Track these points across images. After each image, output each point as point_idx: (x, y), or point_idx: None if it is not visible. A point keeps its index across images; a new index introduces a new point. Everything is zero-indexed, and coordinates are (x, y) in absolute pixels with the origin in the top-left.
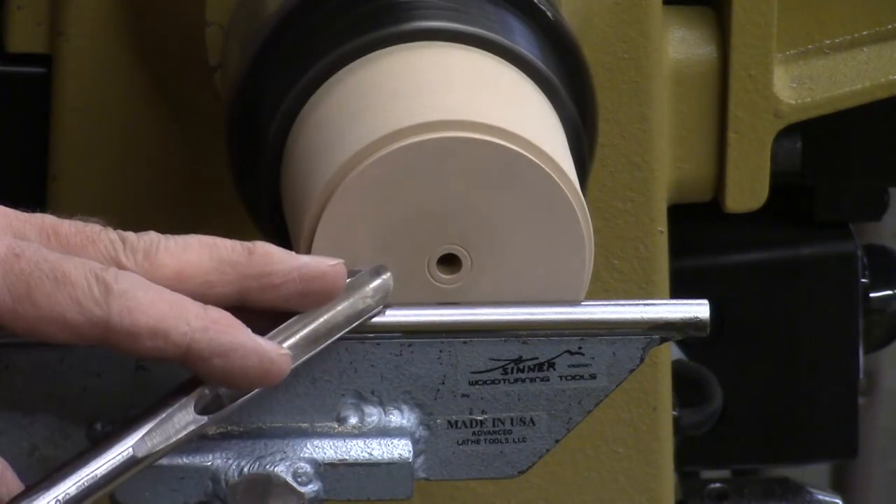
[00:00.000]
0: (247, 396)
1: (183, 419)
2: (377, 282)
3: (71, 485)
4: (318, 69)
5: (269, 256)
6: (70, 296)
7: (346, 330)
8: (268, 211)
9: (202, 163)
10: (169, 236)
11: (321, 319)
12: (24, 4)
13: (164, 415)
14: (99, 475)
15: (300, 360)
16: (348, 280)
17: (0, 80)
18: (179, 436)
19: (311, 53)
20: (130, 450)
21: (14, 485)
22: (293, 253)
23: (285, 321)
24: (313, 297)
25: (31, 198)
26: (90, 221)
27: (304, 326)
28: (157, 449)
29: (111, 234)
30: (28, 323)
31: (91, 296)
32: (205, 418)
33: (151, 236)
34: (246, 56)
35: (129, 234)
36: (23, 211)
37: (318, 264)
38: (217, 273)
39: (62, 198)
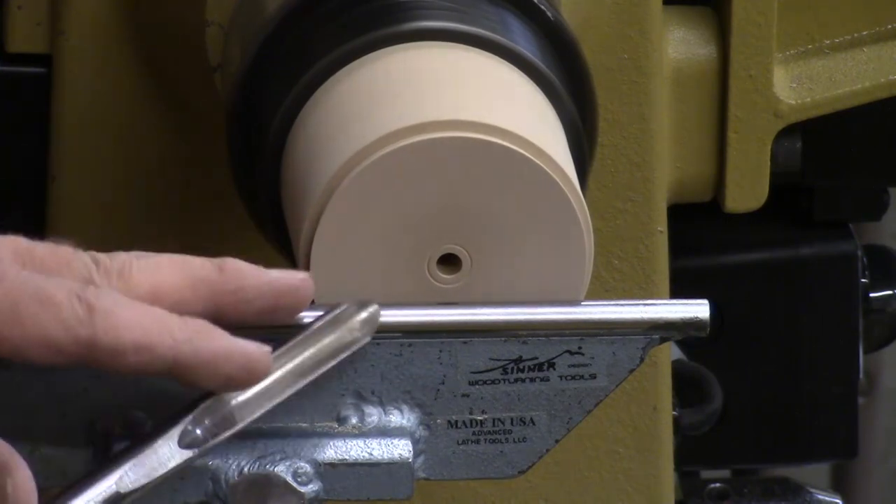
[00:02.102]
0: (232, 431)
1: (167, 454)
2: (364, 315)
3: None
4: (318, 69)
5: (240, 272)
6: (55, 316)
7: (333, 363)
8: (268, 211)
9: (202, 163)
10: (139, 255)
11: (308, 353)
12: (24, 4)
13: (148, 449)
14: None
15: (287, 393)
16: (336, 312)
17: (0, 80)
18: (163, 471)
19: (311, 53)
20: (114, 486)
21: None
22: (262, 268)
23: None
24: (284, 310)
25: (31, 198)
26: (61, 243)
27: (292, 359)
28: (140, 485)
29: (84, 257)
30: (12, 345)
31: (75, 315)
32: (189, 452)
33: (123, 257)
34: (246, 56)
35: (102, 256)
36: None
37: (290, 279)
38: (190, 290)
39: (62, 198)
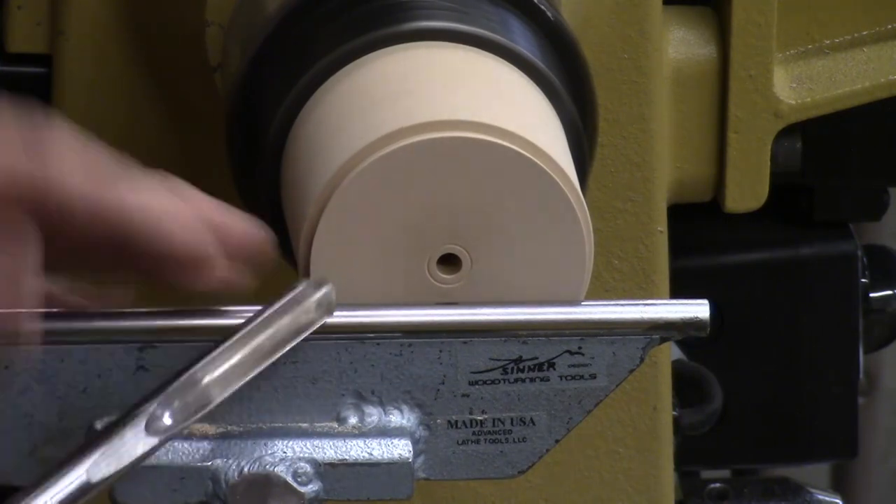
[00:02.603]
0: (201, 413)
1: (134, 440)
2: (319, 294)
3: None
4: (318, 69)
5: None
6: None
7: (292, 344)
8: (268, 211)
9: (202, 163)
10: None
11: (263, 336)
12: (24, 4)
13: (114, 437)
14: (54, 503)
15: (246, 379)
16: (292, 294)
17: (0, 80)
18: (133, 457)
19: (311, 53)
20: (85, 475)
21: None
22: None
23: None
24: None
25: None
26: None
27: (246, 344)
28: (110, 473)
29: None
30: None
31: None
32: (155, 439)
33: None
34: (246, 56)
35: None
36: None
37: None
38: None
39: None
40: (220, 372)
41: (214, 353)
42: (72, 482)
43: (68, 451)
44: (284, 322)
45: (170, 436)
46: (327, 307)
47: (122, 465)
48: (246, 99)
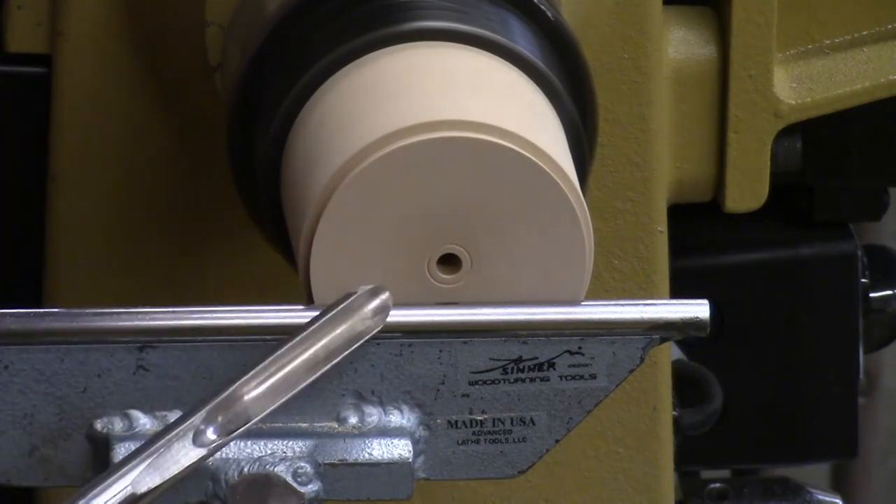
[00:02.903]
0: (247, 426)
1: (180, 452)
2: (376, 302)
3: None
4: (318, 69)
5: None
6: None
7: (347, 352)
8: (268, 211)
9: (202, 163)
10: None
11: (321, 343)
12: (23, 4)
13: (161, 450)
14: None
15: (301, 386)
16: (347, 301)
17: (0, 80)
18: (178, 469)
19: (311, 53)
20: (130, 487)
21: None
22: None
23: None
24: None
25: (31, 198)
26: None
27: (304, 351)
28: (155, 485)
29: None
30: None
31: None
32: (202, 450)
33: None
34: (246, 56)
35: None
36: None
37: None
38: None
39: (62, 198)
40: (267, 385)
41: (266, 362)
42: (117, 493)
43: (114, 462)
44: (341, 330)
45: (216, 447)
46: (383, 314)
47: (168, 476)
48: (246, 99)
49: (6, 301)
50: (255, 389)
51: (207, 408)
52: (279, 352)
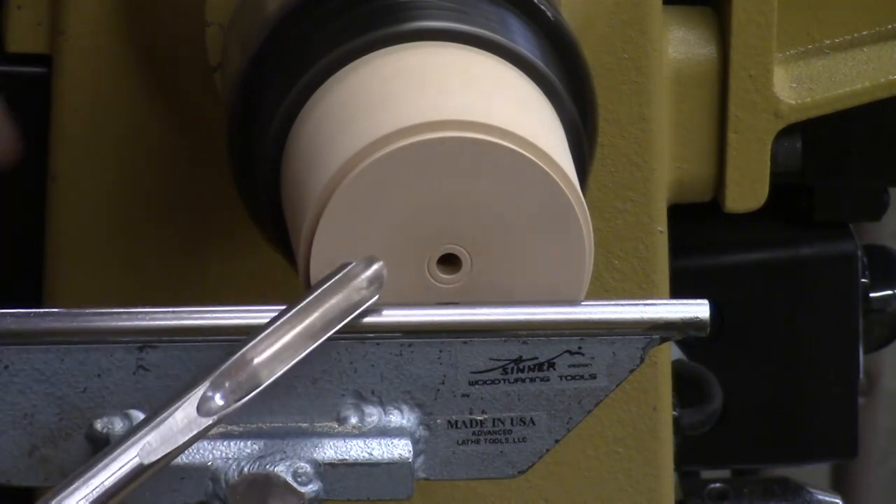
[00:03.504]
0: (250, 396)
1: (186, 421)
2: (370, 272)
3: (81, 498)
4: (318, 69)
5: None
6: None
7: (344, 323)
8: (268, 211)
9: (202, 163)
10: None
11: (316, 314)
12: (24, 4)
13: (166, 419)
14: (108, 485)
15: (299, 357)
16: (341, 273)
17: (0, 80)
18: (185, 439)
19: (311, 53)
20: (137, 458)
21: None
22: None
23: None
24: None
25: (31, 198)
26: None
27: (300, 322)
28: (163, 454)
29: None
30: None
31: None
32: (208, 420)
33: None
34: (246, 56)
35: None
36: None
37: None
38: None
39: (62, 198)
40: (270, 352)
41: (265, 333)
42: (124, 464)
43: (121, 434)
44: (336, 300)
45: (222, 416)
46: (379, 284)
47: (175, 446)
48: (246, 99)
49: (6, 301)
50: (261, 355)
51: (213, 375)
52: (278, 322)
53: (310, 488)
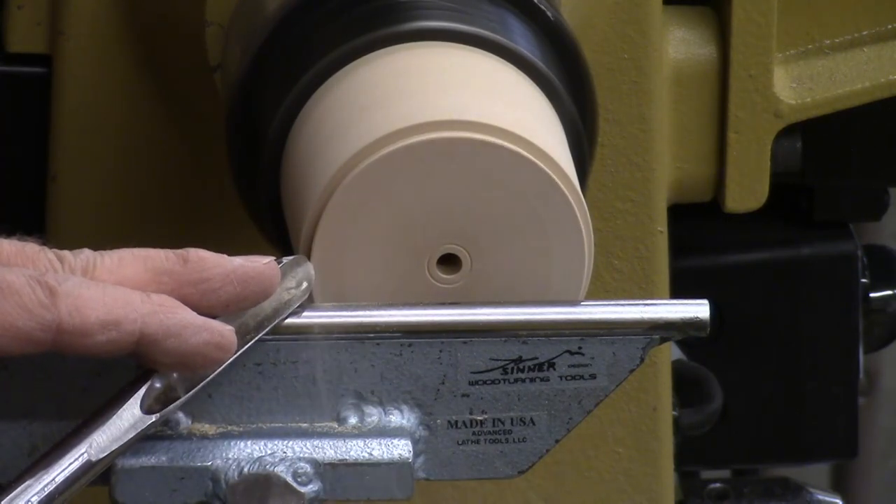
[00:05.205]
0: (194, 390)
1: (132, 418)
2: (298, 272)
3: (33, 494)
4: (318, 69)
5: (203, 262)
6: (18, 304)
7: (276, 322)
8: (268, 211)
9: (202, 163)
10: (104, 252)
11: (248, 314)
12: (24, 4)
13: (113, 415)
14: (59, 481)
15: (234, 356)
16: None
17: (0, 80)
18: (131, 435)
19: (312, 53)
20: (86, 454)
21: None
22: (225, 256)
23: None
24: (251, 297)
25: (31, 198)
26: (27, 241)
27: (230, 322)
28: (111, 451)
29: (49, 254)
30: None
31: (38, 300)
32: (153, 416)
33: (87, 254)
34: (246, 56)
35: (66, 253)
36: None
37: (254, 265)
38: (155, 284)
39: (62, 198)
40: None
41: None
42: (73, 460)
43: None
44: (267, 301)
45: (167, 411)
46: (307, 283)
47: (123, 441)
48: (246, 99)
49: None
50: None
51: (156, 372)
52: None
53: (310, 488)
